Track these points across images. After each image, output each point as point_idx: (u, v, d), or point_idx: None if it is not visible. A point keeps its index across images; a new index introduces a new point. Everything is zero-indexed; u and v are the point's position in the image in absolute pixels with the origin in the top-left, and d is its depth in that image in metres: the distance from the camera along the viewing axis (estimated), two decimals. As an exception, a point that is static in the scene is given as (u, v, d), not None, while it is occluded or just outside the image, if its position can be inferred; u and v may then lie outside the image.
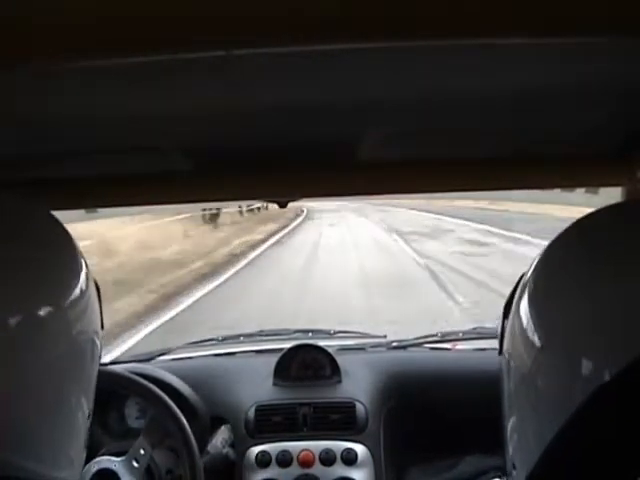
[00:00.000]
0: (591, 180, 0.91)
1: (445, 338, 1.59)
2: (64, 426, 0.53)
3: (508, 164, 0.85)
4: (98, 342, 0.57)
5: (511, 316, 0.55)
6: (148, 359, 1.53)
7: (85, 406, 0.56)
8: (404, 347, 1.58)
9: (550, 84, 0.54)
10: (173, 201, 0.94)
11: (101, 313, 0.59)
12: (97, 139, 0.70)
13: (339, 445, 1.30)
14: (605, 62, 0.48)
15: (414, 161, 0.85)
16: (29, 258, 0.49)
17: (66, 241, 0.55)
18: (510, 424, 0.55)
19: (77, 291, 0.52)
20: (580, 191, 0.97)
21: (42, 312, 0.48)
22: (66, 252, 0.54)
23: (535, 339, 0.49)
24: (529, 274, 0.53)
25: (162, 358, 1.57)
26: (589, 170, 0.87)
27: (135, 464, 1.14)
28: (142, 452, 1.15)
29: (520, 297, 0.53)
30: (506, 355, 0.55)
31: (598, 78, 0.53)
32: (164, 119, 0.63)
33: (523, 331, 0.50)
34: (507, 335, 0.56)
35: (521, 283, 0.55)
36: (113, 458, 1.13)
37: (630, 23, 0.40)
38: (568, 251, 0.52)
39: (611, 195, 0.90)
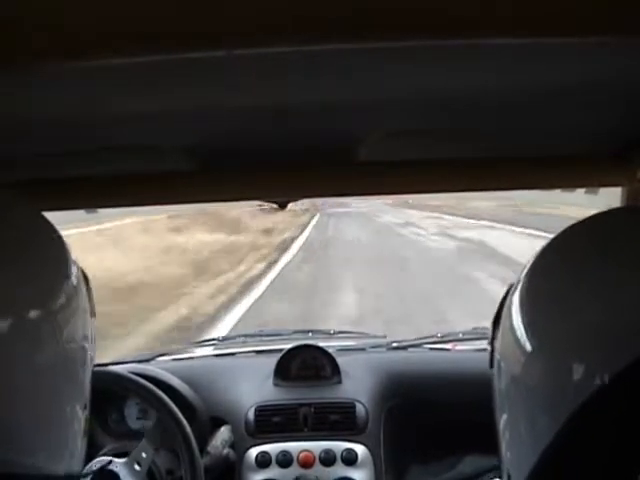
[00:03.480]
0: (591, 180, 0.91)
1: (445, 339, 1.59)
2: (57, 425, 0.52)
3: (508, 164, 0.85)
4: (89, 344, 0.56)
5: (501, 326, 0.53)
6: (148, 359, 1.53)
7: (78, 407, 0.55)
8: (404, 347, 1.58)
9: (550, 84, 0.54)
10: (173, 201, 0.94)
11: (93, 314, 0.58)
12: (97, 139, 0.70)
13: (339, 445, 1.30)
14: (605, 62, 0.48)
15: (414, 161, 0.85)
16: (15, 259, 0.48)
17: (55, 242, 0.54)
18: (503, 432, 0.54)
19: (66, 293, 0.51)
20: (581, 191, 0.97)
21: (28, 315, 0.47)
22: (55, 254, 0.53)
23: (527, 345, 0.48)
24: (521, 280, 0.52)
25: (162, 358, 1.57)
26: (589, 170, 0.87)
27: (137, 467, 1.13)
28: (144, 455, 1.14)
29: (511, 304, 0.52)
30: (498, 364, 0.54)
31: (598, 78, 0.53)
32: (164, 119, 0.63)
33: (515, 337, 0.49)
34: (498, 344, 0.54)
35: (512, 290, 0.53)
36: (114, 459, 1.13)
37: (630, 23, 0.40)
38: (560, 257, 0.51)
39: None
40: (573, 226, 0.52)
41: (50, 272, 0.51)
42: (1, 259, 0.47)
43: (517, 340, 0.49)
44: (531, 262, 0.52)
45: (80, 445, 0.56)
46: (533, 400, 0.48)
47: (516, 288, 0.52)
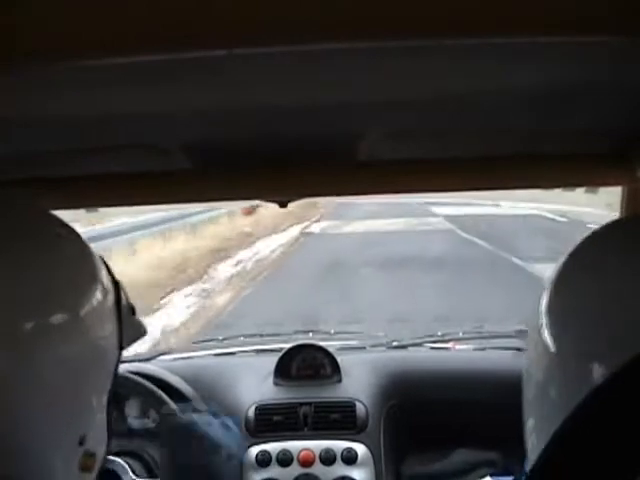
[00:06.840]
0: (592, 179, 0.91)
1: (445, 338, 1.60)
2: (77, 427, 0.52)
3: (508, 163, 0.85)
4: (116, 346, 0.56)
5: (530, 329, 0.55)
6: (149, 358, 1.54)
7: (101, 407, 0.55)
8: (404, 346, 1.58)
9: (550, 84, 0.54)
10: (174, 200, 0.94)
11: (120, 319, 0.58)
12: (97, 138, 0.70)
13: (339, 444, 1.30)
14: (605, 62, 0.48)
15: (414, 160, 0.85)
16: (41, 262, 0.49)
17: (78, 245, 0.55)
18: (529, 437, 0.55)
19: (91, 297, 0.52)
20: (580, 190, 0.97)
21: (55, 318, 0.47)
22: (79, 257, 0.54)
23: (551, 348, 0.49)
24: (550, 284, 0.54)
25: (163, 358, 1.57)
26: (589, 170, 0.87)
27: (137, 465, 1.14)
28: (144, 454, 1.15)
29: (540, 308, 0.53)
30: (525, 367, 0.56)
31: (598, 78, 0.53)
32: (165, 118, 0.63)
33: (541, 341, 0.51)
34: (530, 347, 0.56)
35: (542, 294, 0.55)
36: (114, 458, 1.13)
37: (630, 23, 0.40)
38: (584, 262, 0.53)
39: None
40: (596, 232, 0.53)
41: (74, 275, 0.52)
42: (26, 261, 0.48)
43: (543, 343, 0.50)
44: (559, 267, 0.54)
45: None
46: (548, 402, 0.49)
47: (545, 291, 0.54)
